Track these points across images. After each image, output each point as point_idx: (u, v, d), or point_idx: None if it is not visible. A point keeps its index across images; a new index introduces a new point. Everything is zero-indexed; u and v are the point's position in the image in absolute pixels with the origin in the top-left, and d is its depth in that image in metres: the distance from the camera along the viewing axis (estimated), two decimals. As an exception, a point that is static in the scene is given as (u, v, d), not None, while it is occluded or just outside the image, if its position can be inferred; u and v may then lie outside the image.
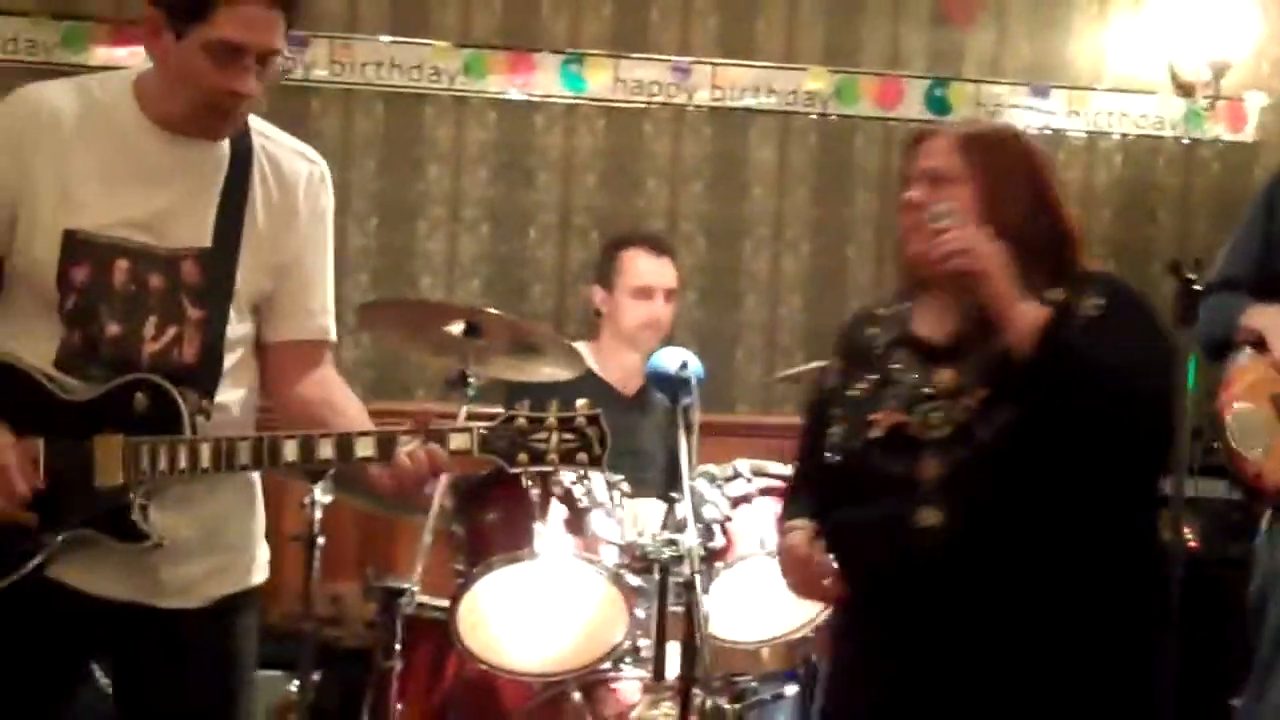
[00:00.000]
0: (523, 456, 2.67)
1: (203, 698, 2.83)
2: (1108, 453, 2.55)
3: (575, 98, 5.30)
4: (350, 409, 2.87)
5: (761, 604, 3.68)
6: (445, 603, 3.62)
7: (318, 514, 3.76)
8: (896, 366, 2.76)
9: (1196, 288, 2.64)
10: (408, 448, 2.64)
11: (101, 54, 5.07)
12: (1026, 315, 2.58)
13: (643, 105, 5.34)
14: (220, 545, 2.83)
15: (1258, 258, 3.48)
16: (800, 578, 2.83)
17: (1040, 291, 2.61)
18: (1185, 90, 5.50)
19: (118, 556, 2.69)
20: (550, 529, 3.59)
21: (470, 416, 3.34)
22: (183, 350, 2.72)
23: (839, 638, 2.98)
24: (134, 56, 5.03)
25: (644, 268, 4.71)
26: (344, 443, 2.66)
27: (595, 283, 4.83)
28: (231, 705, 2.87)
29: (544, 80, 5.28)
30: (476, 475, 3.77)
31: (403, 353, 4.94)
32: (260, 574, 2.93)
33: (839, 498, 2.78)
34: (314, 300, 2.90)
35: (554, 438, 2.67)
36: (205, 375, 2.73)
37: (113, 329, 2.69)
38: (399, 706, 3.68)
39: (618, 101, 5.32)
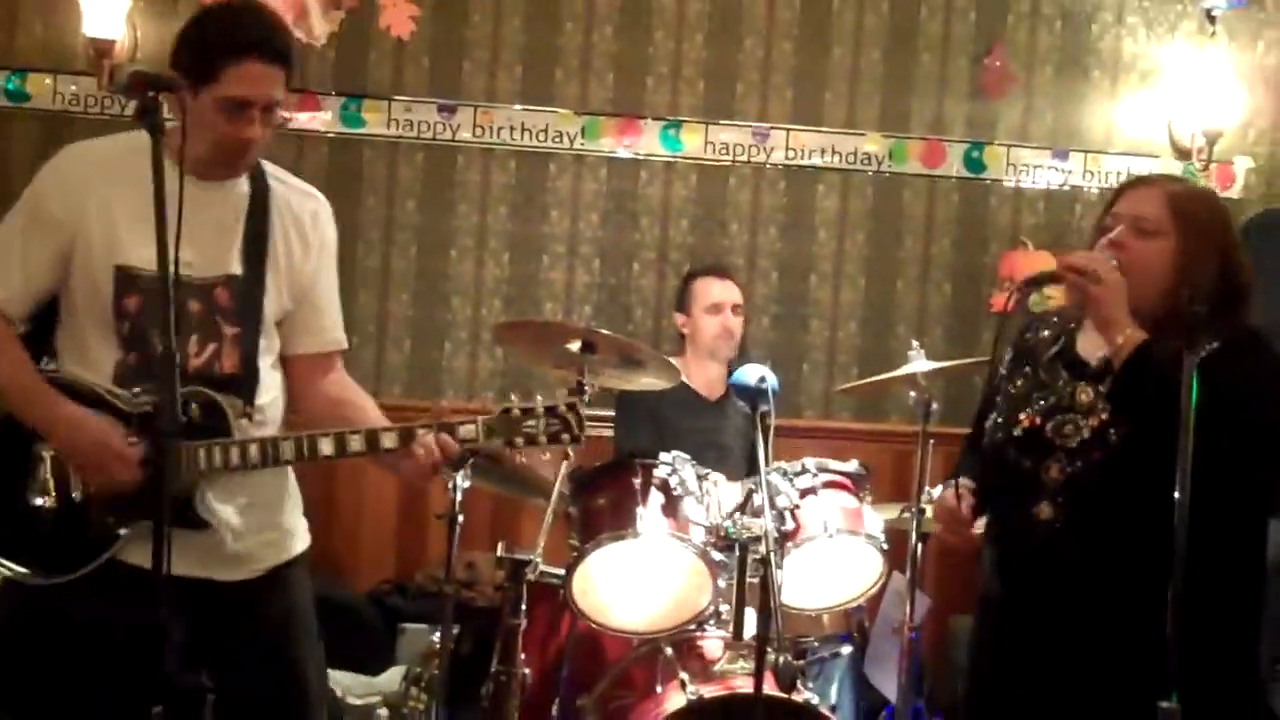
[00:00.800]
0: (519, 440, 2.66)
1: (272, 643, 2.78)
2: (1211, 476, 2.28)
3: (673, 157, 5.26)
4: (366, 403, 2.85)
5: (823, 578, 3.66)
6: (562, 571, 3.60)
7: (459, 496, 3.70)
8: (1052, 374, 2.66)
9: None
10: (426, 437, 2.61)
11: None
12: (1125, 338, 2.47)
13: (728, 163, 5.28)
14: (268, 525, 2.79)
15: None
16: (946, 525, 2.76)
17: (1203, 341, 2.36)
18: (1183, 154, 5.36)
19: (183, 541, 2.58)
20: (649, 512, 3.56)
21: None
22: (222, 363, 2.68)
23: (982, 601, 2.80)
24: (313, 120, 5.08)
25: (711, 289, 4.71)
26: (371, 437, 2.63)
27: (676, 311, 4.82)
28: (295, 644, 2.82)
29: (647, 142, 5.24)
30: (591, 467, 3.76)
31: (529, 365, 4.88)
32: (302, 542, 2.88)
33: (988, 478, 2.72)
34: (328, 317, 2.86)
35: (541, 423, 2.66)
36: (245, 383, 2.69)
37: (161, 348, 2.62)
38: (522, 655, 3.67)
39: (708, 160, 5.27)
